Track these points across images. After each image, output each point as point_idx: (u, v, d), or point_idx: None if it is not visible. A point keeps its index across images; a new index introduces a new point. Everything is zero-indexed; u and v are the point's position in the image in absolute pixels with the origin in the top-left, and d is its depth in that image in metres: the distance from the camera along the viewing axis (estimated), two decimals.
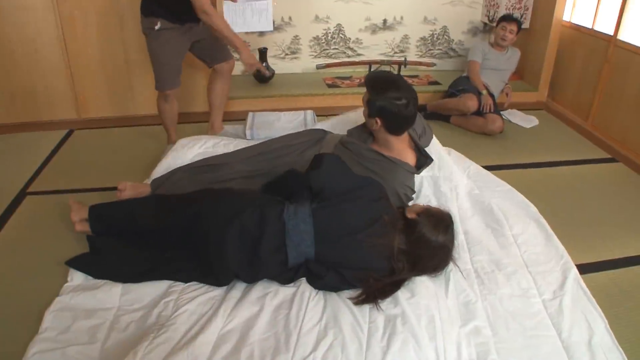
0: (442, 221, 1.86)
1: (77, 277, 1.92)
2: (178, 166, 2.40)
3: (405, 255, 1.80)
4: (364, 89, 2.13)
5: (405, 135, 2.16)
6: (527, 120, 3.75)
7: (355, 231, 1.80)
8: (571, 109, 3.95)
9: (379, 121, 2.07)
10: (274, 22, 4.01)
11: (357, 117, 2.28)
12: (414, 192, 2.19)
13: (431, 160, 2.23)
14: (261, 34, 4.12)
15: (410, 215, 1.86)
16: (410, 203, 2.20)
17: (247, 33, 4.03)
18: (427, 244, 1.82)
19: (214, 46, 2.83)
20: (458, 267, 1.94)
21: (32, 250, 2.17)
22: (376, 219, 1.82)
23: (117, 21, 3.36)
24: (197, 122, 3.50)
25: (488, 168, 2.99)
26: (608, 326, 1.76)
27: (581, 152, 3.34)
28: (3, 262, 2.10)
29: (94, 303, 1.80)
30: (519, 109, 3.94)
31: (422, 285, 1.80)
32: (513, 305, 1.83)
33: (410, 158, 2.17)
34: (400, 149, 2.15)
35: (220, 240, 1.80)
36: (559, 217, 2.52)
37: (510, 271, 1.99)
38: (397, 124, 2.09)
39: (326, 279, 1.80)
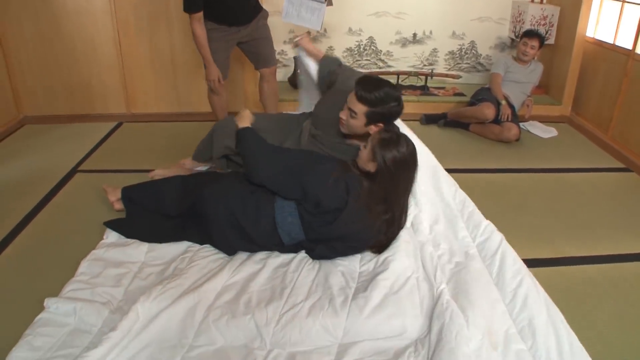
0: (389, 137, 1.97)
1: (112, 236, 2.24)
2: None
3: (387, 204, 1.98)
4: None
5: None
6: (545, 131, 3.85)
7: (331, 220, 1.98)
8: (593, 123, 4.03)
9: (381, 124, 2.12)
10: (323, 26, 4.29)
11: None
12: None
13: None
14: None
15: (369, 167, 1.99)
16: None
17: (284, 42, 4.36)
18: (401, 164, 1.96)
19: (259, 50, 3.20)
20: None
21: (77, 215, 2.52)
22: (344, 205, 1.96)
23: (166, 26, 3.76)
24: None
25: (500, 171, 3.15)
26: (537, 282, 1.88)
27: (595, 161, 3.41)
28: (53, 224, 2.46)
29: (123, 257, 2.10)
30: (542, 122, 4.04)
31: (403, 246, 2.04)
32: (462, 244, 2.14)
33: None
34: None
35: (218, 226, 2.07)
36: (559, 216, 2.66)
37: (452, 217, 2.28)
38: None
39: (317, 250, 2.04)
